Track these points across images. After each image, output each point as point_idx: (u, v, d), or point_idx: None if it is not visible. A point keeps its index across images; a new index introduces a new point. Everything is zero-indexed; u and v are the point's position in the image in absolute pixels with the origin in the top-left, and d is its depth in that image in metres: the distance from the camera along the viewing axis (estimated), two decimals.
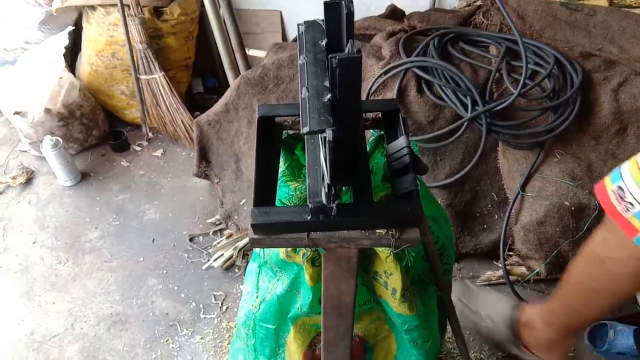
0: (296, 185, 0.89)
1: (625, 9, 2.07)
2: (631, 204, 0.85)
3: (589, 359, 1.58)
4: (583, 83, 1.70)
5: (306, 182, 0.80)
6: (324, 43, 0.70)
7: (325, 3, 0.65)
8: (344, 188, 0.80)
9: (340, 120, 0.64)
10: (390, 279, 0.86)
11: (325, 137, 0.60)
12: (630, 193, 0.79)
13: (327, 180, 0.67)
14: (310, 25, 0.73)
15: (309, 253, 0.86)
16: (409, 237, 0.74)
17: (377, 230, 0.74)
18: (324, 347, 0.97)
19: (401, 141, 0.83)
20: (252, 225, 0.73)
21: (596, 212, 1.62)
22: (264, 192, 0.79)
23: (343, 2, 0.64)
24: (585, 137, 1.73)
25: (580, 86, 1.69)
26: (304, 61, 0.68)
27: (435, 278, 1.01)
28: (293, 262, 0.94)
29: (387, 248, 0.80)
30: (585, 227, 1.62)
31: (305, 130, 0.60)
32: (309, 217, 0.72)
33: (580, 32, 1.91)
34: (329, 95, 0.63)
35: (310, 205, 0.71)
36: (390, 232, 0.74)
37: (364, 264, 0.91)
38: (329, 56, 0.58)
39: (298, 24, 0.74)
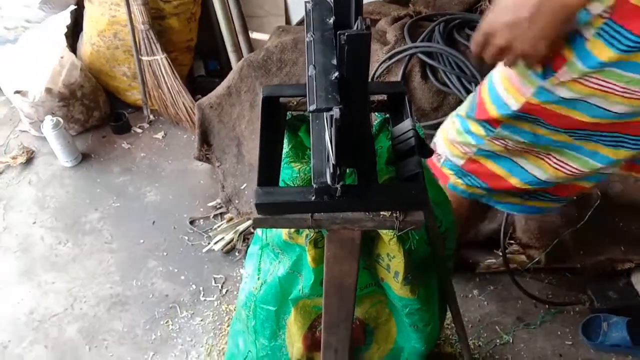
0: (300, 166, 0.89)
1: None
2: (439, 155, 1.23)
3: (584, 352, 1.59)
4: None
5: (310, 163, 0.80)
6: (331, 21, 0.69)
7: None
8: (348, 169, 0.80)
9: (347, 99, 0.63)
10: (392, 262, 0.86)
11: (332, 116, 0.59)
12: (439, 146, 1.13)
13: (332, 160, 0.66)
14: (317, 2, 0.71)
15: (311, 234, 0.85)
16: (413, 220, 0.73)
17: (381, 213, 0.73)
18: (324, 329, 0.97)
19: (407, 124, 0.82)
20: (255, 204, 0.72)
21: (598, 201, 1.62)
22: (268, 173, 0.78)
23: None
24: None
25: None
26: (312, 39, 0.67)
27: (437, 262, 1.01)
28: (295, 243, 0.94)
29: (391, 230, 0.79)
30: (587, 217, 1.62)
31: (312, 107, 0.59)
32: (313, 198, 0.71)
33: None
34: (336, 74, 0.62)
35: (314, 186, 0.70)
36: (394, 215, 0.73)
37: (366, 247, 0.91)
38: (338, 32, 0.57)
39: (305, 2, 0.73)
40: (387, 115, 0.91)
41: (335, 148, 0.64)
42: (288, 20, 2.59)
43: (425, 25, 1.86)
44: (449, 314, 1.17)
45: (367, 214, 0.73)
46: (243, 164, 2.04)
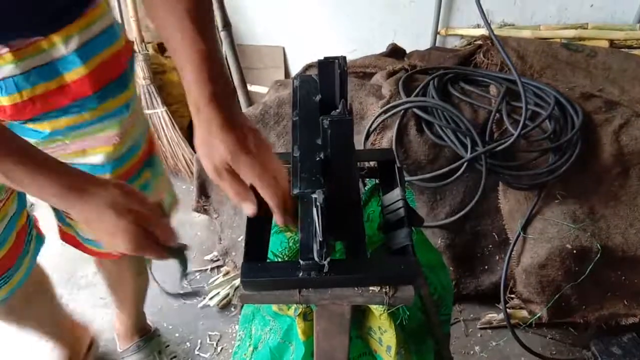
0: (290, 235, 0.88)
1: (626, 51, 2.08)
2: None
3: None
4: (584, 124, 1.69)
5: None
6: (317, 99, 0.70)
7: (319, 61, 0.65)
8: (337, 243, 0.79)
9: (332, 178, 0.63)
10: (384, 336, 0.84)
11: (315, 199, 0.59)
12: None
13: (319, 237, 0.66)
14: (304, 80, 0.72)
15: (300, 308, 0.84)
16: (404, 296, 0.72)
17: (371, 288, 0.72)
18: None
19: (396, 193, 0.82)
20: (241, 282, 0.71)
21: (598, 255, 1.59)
22: (256, 245, 0.77)
23: (336, 61, 0.64)
24: (587, 179, 1.71)
25: (581, 127, 1.68)
26: (297, 118, 0.67)
27: (432, 330, 0.98)
28: (285, 315, 0.92)
29: (381, 306, 0.78)
30: (588, 270, 1.59)
31: (295, 191, 0.59)
32: (300, 275, 0.70)
33: (581, 72, 1.91)
34: (321, 154, 0.62)
35: (301, 262, 0.69)
36: (384, 290, 0.72)
37: (358, 317, 0.89)
38: (321, 117, 0.57)
39: (292, 79, 0.74)
40: (377, 181, 0.91)
41: (322, 227, 0.64)
42: (287, 73, 2.64)
43: (421, 79, 1.89)
44: None
45: (356, 289, 0.72)
46: (241, 216, 2.03)
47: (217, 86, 0.71)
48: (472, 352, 1.70)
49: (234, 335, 1.77)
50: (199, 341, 1.76)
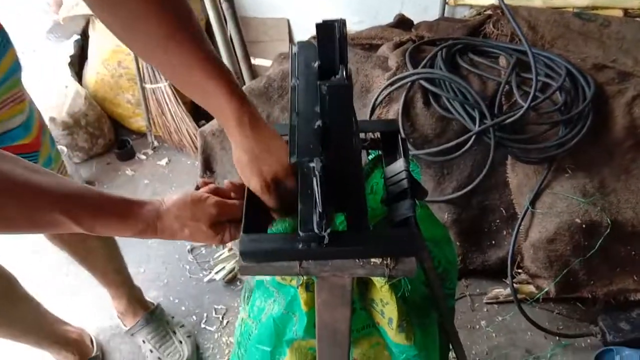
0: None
1: None
2: None
3: None
4: (596, 96, 1.65)
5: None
6: (316, 65, 0.67)
7: (317, 24, 0.62)
8: (337, 215, 0.77)
9: (330, 147, 0.61)
10: (386, 308, 0.83)
11: (312, 167, 0.57)
12: None
13: (319, 208, 0.64)
14: (303, 46, 0.70)
15: (302, 279, 0.82)
16: (405, 268, 0.70)
17: (372, 260, 0.70)
18: None
19: (399, 164, 0.80)
20: (240, 252, 0.70)
21: (608, 229, 1.57)
22: (255, 217, 0.76)
23: (336, 24, 0.61)
24: (598, 152, 1.67)
25: (593, 99, 1.63)
26: (295, 84, 0.65)
27: (436, 304, 0.97)
28: (288, 285, 0.91)
29: (382, 278, 0.76)
30: (597, 245, 1.57)
31: (292, 159, 0.57)
32: (300, 246, 0.68)
33: (593, 43, 1.85)
34: (319, 122, 0.59)
35: (301, 234, 0.68)
36: (385, 262, 0.70)
37: (361, 289, 0.88)
38: (319, 83, 0.55)
39: (290, 44, 0.71)
40: (380, 152, 0.89)
41: (321, 197, 0.62)
42: None
43: (428, 50, 1.84)
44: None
45: (357, 261, 0.70)
46: None
47: (245, 105, 0.71)
48: (477, 327, 1.69)
49: (240, 308, 1.77)
50: (205, 315, 1.77)
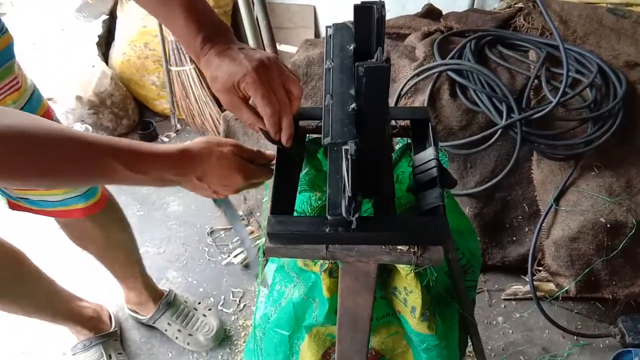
0: (315, 193, 0.86)
1: None
2: None
3: None
4: (627, 94, 1.61)
5: (324, 191, 0.77)
6: (352, 48, 0.66)
7: (355, 6, 0.61)
8: (365, 200, 0.76)
9: (364, 130, 0.60)
10: (409, 297, 0.82)
11: (346, 150, 0.56)
12: None
13: (347, 192, 0.64)
14: (339, 28, 0.69)
15: (326, 264, 0.82)
16: (432, 257, 0.70)
17: (399, 247, 0.70)
18: None
19: (429, 152, 0.79)
20: (267, 234, 0.70)
21: (633, 230, 1.54)
22: (282, 199, 0.76)
23: (374, 6, 0.60)
24: (626, 152, 1.64)
25: (624, 97, 1.60)
26: (330, 66, 0.64)
27: (458, 296, 0.96)
28: (310, 271, 0.91)
29: (408, 266, 0.76)
30: (621, 246, 1.54)
31: (326, 140, 0.57)
32: (328, 230, 0.68)
33: (626, 40, 1.81)
34: (353, 104, 0.59)
35: (329, 217, 0.68)
36: (412, 250, 0.70)
37: (383, 277, 0.88)
38: (356, 64, 0.54)
39: (326, 26, 0.71)
40: (409, 141, 0.88)
41: (351, 181, 0.61)
42: (317, 33, 2.58)
43: (456, 42, 1.82)
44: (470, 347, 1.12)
45: (383, 247, 0.70)
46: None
47: (206, 30, 0.77)
48: (494, 323, 1.68)
49: (257, 293, 1.78)
50: (222, 297, 1.78)
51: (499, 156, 1.73)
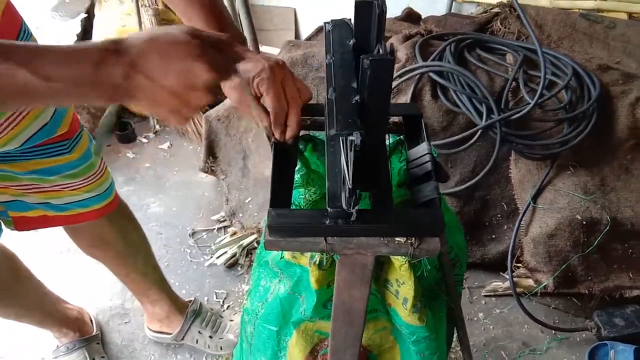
0: (306, 188, 0.87)
1: None
2: None
3: None
4: (600, 96, 1.67)
5: (315, 186, 0.79)
6: (351, 43, 0.68)
7: (356, 2, 0.63)
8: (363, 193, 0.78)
9: (367, 123, 0.62)
10: (402, 288, 0.84)
11: (351, 141, 0.57)
12: None
13: (348, 184, 0.65)
14: (337, 24, 0.71)
15: (316, 256, 0.83)
16: (429, 247, 0.71)
17: (396, 239, 0.72)
18: (331, 354, 0.95)
19: (423, 147, 0.81)
20: (268, 226, 0.70)
21: (607, 227, 1.60)
22: (281, 193, 0.76)
23: (376, 2, 0.62)
24: (600, 151, 1.70)
25: (598, 99, 1.66)
26: (331, 61, 0.66)
27: (446, 289, 0.98)
28: (297, 264, 0.92)
29: (404, 257, 0.77)
30: (596, 242, 1.60)
31: (332, 132, 0.58)
32: (328, 222, 0.69)
33: (598, 44, 1.88)
34: (357, 97, 0.60)
35: (329, 210, 0.69)
36: (409, 241, 0.71)
37: (374, 272, 0.89)
38: (361, 57, 0.56)
39: (325, 22, 0.72)
40: (402, 137, 0.90)
41: (353, 172, 0.63)
42: (297, 35, 2.59)
43: (436, 45, 1.86)
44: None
45: (381, 239, 0.72)
46: (248, 177, 2.03)
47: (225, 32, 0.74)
48: (475, 319, 1.72)
49: (240, 294, 1.78)
50: (206, 298, 1.77)
51: (478, 156, 1.77)
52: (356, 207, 0.68)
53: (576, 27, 1.94)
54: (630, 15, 2.14)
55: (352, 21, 0.70)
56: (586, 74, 1.72)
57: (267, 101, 0.74)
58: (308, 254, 0.86)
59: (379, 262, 0.87)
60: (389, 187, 0.75)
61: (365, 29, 0.66)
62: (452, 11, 2.37)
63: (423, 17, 2.16)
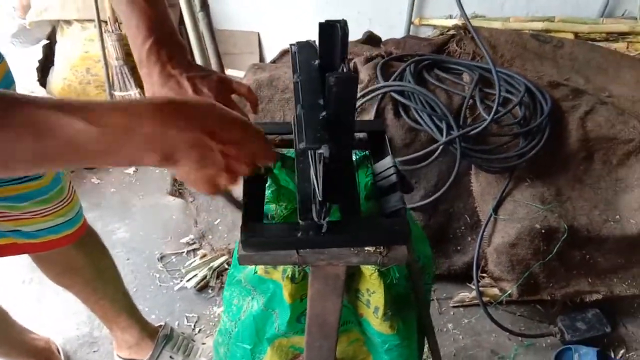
0: (278, 204, 0.90)
1: (590, 43, 2.18)
2: None
3: None
4: (552, 111, 1.77)
5: (284, 201, 0.81)
6: (317, 63, 0.71)
7: (320, 24, 0.67)
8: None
9: (334, 137, 0.65)
10: (372, 297, 0.87)
11: (320, 154, 0.61)
12: None
13: (318, 197, 0.68)
14: (303, 45, 0.74)
15: (289, 270, 0.85)
16: (397, 255, 0.75)
17: (366, 248, 0.75)
18: None
19: (387, 161, 0.85)
20: (242, 241, 0.72)
21: (565, 235, 1.67)
22: (254, 208, 0.78)
23: (338, 24, 0.66)
24: (554, 163, 1.79)
25: (550, 114, 1.75)
26: (298, 80, 0.69)
27: (416, 297, 1.02)
28: (270, 279, 0.93)
29: (374, 266, 0.80)
30: (555, 249, 1.67)
31: (301, 146, 0.61)
32: (300, 234, 0.72)
33: (548, 62, 1.99)
34: (324, 113, 0.64)
35: (301, 222, 0.71)
36: (378, 250, 0.74)
37: (345, 284, 0.92)
38: (326, 75, 0.59)
39: (290, 44, 0.76)
40: (367, 152, 0.94)
41: (322, 185, 0.66)
42: (261, 58, 2.64)
43: (397, 66, 1.93)
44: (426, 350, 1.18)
45: (352, 249, 0.74)
46: (217, 199, 2.03)
47: (156, 35, 0.77)
48: (445, 329, 1.75)
49: (212, 316, 1.77)
50: (177, 323, 1.75)
51: (440, 171, 1.83)
52: (327, 219, 0.71)
53: (527, 47, 2.05)
54: (576, 34, 2.28)
55: (317, 42, 0.73)
56: (538, 90, 1.81)
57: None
58: (280, 269, 0.88)
59: (350, 273, 0.90)
60: (357, 198, 0.78)
61: (329, 49, 0.69)
62: (410, 34, 2.46)
63: (383, 39, 2.24)
